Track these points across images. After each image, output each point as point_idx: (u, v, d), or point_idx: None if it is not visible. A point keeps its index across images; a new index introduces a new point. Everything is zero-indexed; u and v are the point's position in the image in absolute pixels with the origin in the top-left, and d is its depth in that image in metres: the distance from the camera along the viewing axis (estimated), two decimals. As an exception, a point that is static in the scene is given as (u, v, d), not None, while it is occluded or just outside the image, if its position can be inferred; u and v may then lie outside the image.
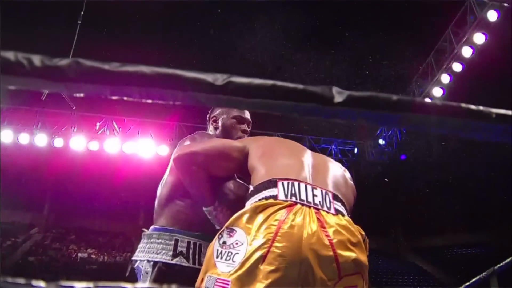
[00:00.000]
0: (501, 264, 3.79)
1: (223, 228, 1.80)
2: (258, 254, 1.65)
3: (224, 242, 1.75)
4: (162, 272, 2.27)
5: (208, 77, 0.69)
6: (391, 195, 21.35)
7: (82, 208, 24.28)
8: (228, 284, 1.65)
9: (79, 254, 21.43)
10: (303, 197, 1.81)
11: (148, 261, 2.32)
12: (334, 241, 1.71)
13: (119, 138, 14.92)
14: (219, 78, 0.69)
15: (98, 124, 15.13)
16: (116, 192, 21.60)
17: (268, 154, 2.12)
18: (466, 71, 13.37)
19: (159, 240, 2.36)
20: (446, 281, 18.92)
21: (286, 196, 1.80)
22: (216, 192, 2.29)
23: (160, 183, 2.62)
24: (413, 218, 22.64)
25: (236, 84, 0.70)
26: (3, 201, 21.24)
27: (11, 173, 19.33)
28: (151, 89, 0.68)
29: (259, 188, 1.90)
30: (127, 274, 2.43)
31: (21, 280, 0.50)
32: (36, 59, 0.65)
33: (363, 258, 1.78)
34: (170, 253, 2.32)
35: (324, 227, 1.73)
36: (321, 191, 1.89)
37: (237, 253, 1.69)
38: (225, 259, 1.71)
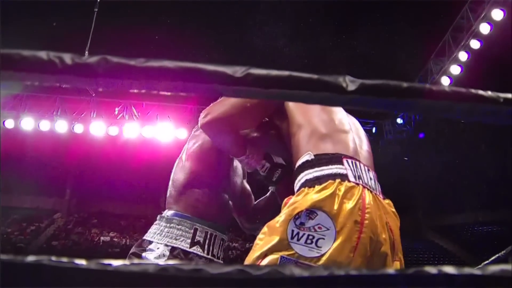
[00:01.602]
0: (520, 242, 3.78)
1: (301, 209, 1.68)
2: (350, 244, 1.61)
3: (302, 224, 1.66)
4: (178, 258, 2.34)
5: (228, 70, 0.73)
6: (410, 174, 21.29)
7: (103, 192, 24.50)
8: None
9: (102, 238, 21.69)
10: (366, 180, 1.79)
11: (166, 245, 2.38)
12: (392, 227, 1.75)
13: (138, 122, 15.02)
14: (238, 71, 0.73)
15: (117, 109, 15.26)
16: (137, 176, 21.78)
17: (318, 113, 1.95)
18: (484, 48, 13.16)
19: (179, 227, 2.42)
20: (466, 260, 18.86)
21: (355, 177, 1.75)
22: (246, 140, 2.29)
23: (175, 165, 2.66)
24: (432, 196, 22.56)
25: (254, 75, 0.73)
26: (26, 187, 21.54)
27: (33, 160, 19.61)
28: (174, 82, 0.73)
29: (322, 160, 1.81)
30: (132, 251, 2.47)
31: (65, 259, 0.55)
32: (67, 58, 0.69)
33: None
34: (189, 241, 2.39)
35: (385, 214, 1.75)
36: (372, 173, 1.88)
37: (322, 238, 1.62)
38: (306, 242, 1.63)
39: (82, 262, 0.56)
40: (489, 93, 0.80)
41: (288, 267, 0.59)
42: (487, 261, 3.88)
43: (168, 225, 2.45)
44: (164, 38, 16.66)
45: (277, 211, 1.85)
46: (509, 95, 0.80)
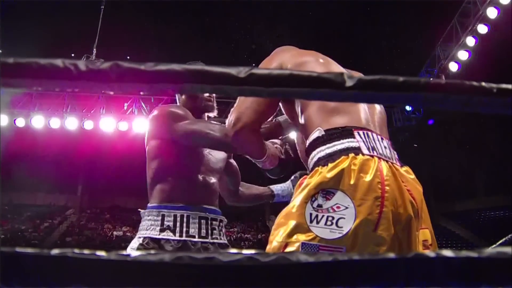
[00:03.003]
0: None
1: (317, 191, 1.62)
2: (371, 220, 1.55)
3: (320, 206, 1.59)
4: (148, 246, 2.41)
5: (232, 71, 0.77)
6: (420, 161, 21.25)
7: (115, 187, 24.67)
8: (342, 252, 1.51)
9: (115, 233, 21.87)
10: (381, 151, 1.72)
11: (138, 237, 2.49)
12: (415, 195, 1.70)
13: (147, 117, 15.04)
14: (242, 71, 0.77)
15: (126, 104, 15.28)
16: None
17: None
18: (491, 33, 13.04)
19: (149, 217, 2.52)
20: (479, 245, 18.82)
21: (368, 149, 1.69)
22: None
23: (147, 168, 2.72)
24: (443, 182, 22.50)
25: (257, 75, 0.77)
26: (38, 185, 21.72)
27: (45, 157, 19.76)
28: (182, 84, 0.77)
29: (332, 135, 1.74)
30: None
31: (86, 251, 0.60)
32: (81, 64, 0.74)
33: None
34: (158, 228, 2.46)
35: (403, 182, 1.69)
36: (386, 142, 1.82)
37: (342, 217, 1.56)
38: (326, 224, 1.56)
39: (102, 253, 0.60)
40: (483, 84, 0.83)
41: (295, 254, 0.63)
42: (494, 246, 3.89)
43: (142, 220, 2.58)
44: (167, 38, 16.70)
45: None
46: (502, 86, 0.83)
